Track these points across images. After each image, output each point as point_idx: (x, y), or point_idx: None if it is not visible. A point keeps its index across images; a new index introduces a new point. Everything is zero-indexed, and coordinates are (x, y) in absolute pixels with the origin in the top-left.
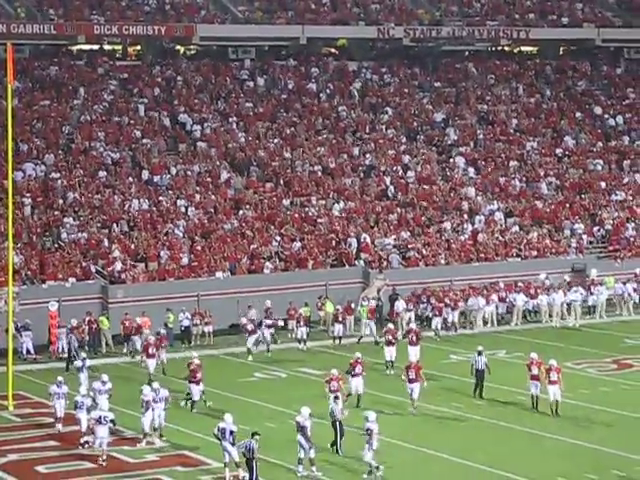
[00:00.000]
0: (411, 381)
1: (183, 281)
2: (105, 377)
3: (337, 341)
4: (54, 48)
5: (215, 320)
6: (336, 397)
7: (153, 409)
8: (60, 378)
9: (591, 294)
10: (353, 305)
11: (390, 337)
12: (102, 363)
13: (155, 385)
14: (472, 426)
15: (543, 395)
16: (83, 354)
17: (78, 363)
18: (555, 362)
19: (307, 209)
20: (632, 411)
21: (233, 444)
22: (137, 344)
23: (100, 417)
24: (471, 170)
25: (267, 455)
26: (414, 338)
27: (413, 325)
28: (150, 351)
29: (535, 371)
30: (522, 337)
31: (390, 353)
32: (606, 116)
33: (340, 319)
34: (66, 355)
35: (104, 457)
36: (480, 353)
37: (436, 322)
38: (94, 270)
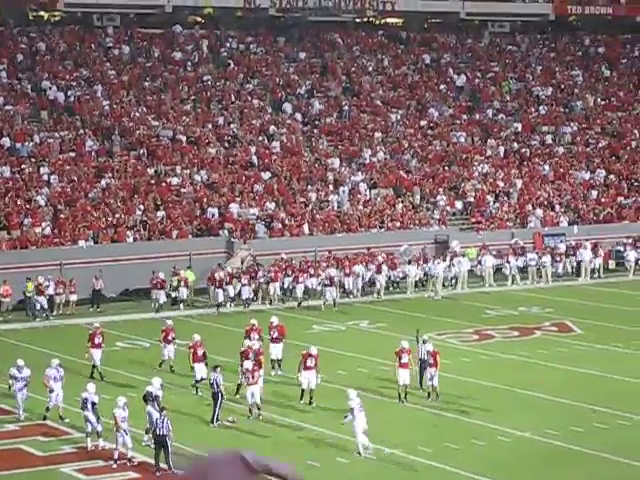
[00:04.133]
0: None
1: (46, 249)
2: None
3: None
4: None
5: (78, 289)
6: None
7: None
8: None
9: (452, 265)
10: (217, 275)
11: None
12: None
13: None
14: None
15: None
16: None
17: None
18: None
19: (171, 178)
20: (491, 381)
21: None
22: None
23: None
24: (336, 141)
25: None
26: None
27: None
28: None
29: (405, 359)
30: (383, 307)
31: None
32: (469, 89)
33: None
34: None
35: None
36: (425, 342)
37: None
38: None
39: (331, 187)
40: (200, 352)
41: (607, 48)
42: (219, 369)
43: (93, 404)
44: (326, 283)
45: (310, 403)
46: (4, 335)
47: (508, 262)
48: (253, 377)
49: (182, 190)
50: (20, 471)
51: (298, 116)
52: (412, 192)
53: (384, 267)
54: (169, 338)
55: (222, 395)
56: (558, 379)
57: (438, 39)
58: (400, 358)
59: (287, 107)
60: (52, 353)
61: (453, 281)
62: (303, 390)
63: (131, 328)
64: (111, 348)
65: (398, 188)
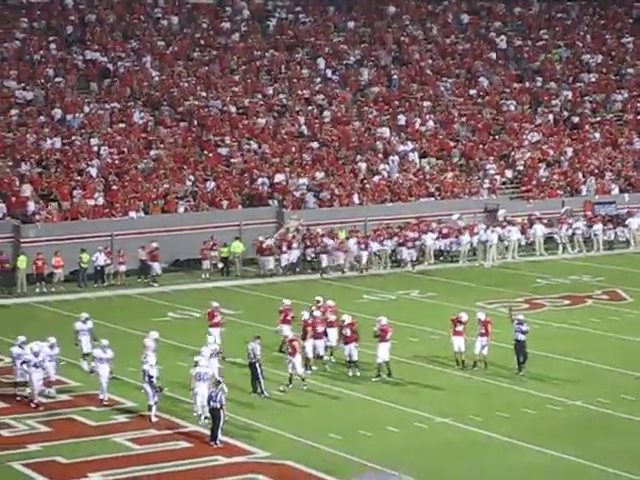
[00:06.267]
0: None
1: (96, 221)
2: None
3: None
4: None
5: (128, 260)
6: (257, 337)
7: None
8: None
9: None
10: (265, 244)
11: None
12: (14, 303)
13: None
14: None
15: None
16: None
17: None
18: (483, 315)
19: (220, 149)
20: (542, 350)
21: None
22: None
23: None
24: (385, 110)
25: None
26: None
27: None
28: None
29: (460, 327)
30: (434, 277)
31: None
32: (519, 57)
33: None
34: None
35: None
36: (520, 322)
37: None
38: (5, 210)
39: (381, 156)
40: (290, 316)
41: None
42: (259, 340)
43: (150, 377)
44: (409, 245)
45: (389, 375)
46: (56, 306)
47: (559, 230)
48: (292, 347)
49: (232, 160)
50: (73, 440)
51: (347, 86)
52: (462, 161)
53: (434, 235)
54: (216, 321)
55: (260, 365)
56: (609, 347)
57: (488, 7)
58: (455, 326)
59: (336, 77)
60: (104, 324)
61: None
62: (379, 364)
63: (181, 298)
64: (163, 318)
65: (447, 157)
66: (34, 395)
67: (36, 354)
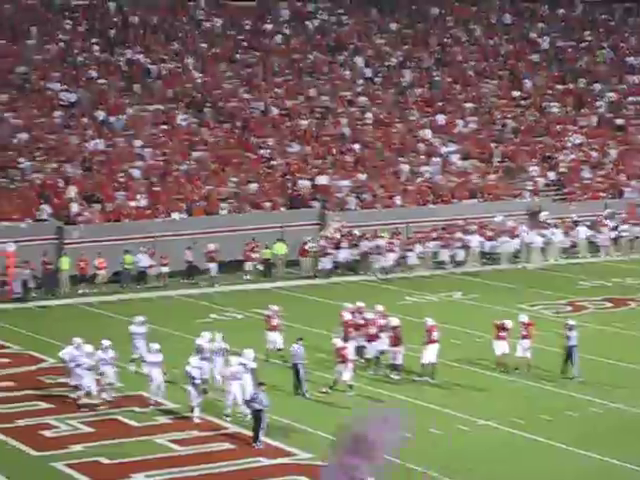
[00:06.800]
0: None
1: (139, 222)
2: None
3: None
4: None
5: (171, 261)
6: (300, 338)
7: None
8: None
9: (544, 236)
10: (308, 246)
11: None
12: (57, 304)
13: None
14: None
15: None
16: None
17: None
18: (526, 317)
19: (263, 150)
20: (585, 352)
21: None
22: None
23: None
24: (428, 112)
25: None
26: None
27: None
28: None
29: (503, 334)
30: (476, 279)
31: None
32: (563, 58)
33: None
34: (21, 295)
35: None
36: (571, 328)
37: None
38: (49, 211)
39: (423, 158)
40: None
41: None
42: (302, 341)
43: (193, 378)
44: (454, 247)
45: (432, 377)
46: (99, 307)
47: (601, 233)
48: (342, 356)
49: (274, 162)
50: (117, 441)
51: (389, 87)
52: (505, 163)
53: (477, 238)
54: (273, 324)
55: (303, 366)
56: None
57: (531, 9)
58: (498, 331)
59: (378, 78)
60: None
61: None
62: (423, 365)
63: (223, 299)
64: (205, 320)
65: (490, 159)
66: (88, 396)
67: (91, 356)
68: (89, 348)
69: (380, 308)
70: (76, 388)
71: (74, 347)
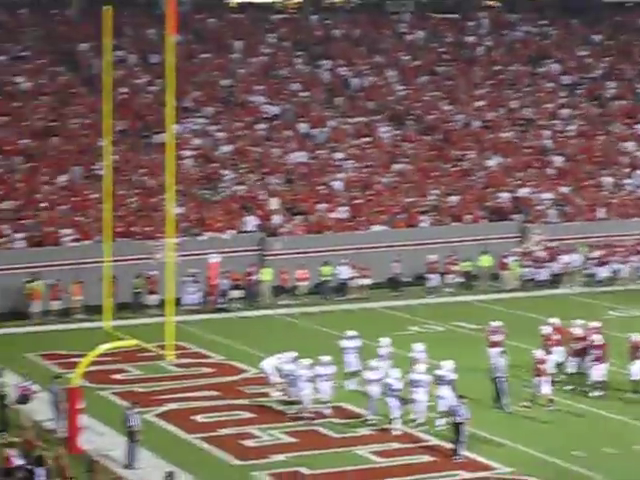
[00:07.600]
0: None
1: (341, 234)
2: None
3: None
4: (214, 1)
5: (372, 273)
6: (503, 352)
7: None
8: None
9: None
10: (507, 260)
11: None
12: (257, 315)
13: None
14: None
15: None
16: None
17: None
18: None
19: (464, 163)
20: None
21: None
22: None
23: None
24: (631, 124)
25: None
26: None
27: None
28: None
29: None
30: None
31: None
32: None
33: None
34: (225, 306)
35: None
36: None
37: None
38: (252, 222)
39: (626, 170)
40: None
41: None
42: (505, 355)
43: (393, 390)
44: None
45: (635, 392)
46: (299, 319)
47: None
48: (539, 369)
49: (475, 174)
50: (317, 452)
51: (592, 99)
52: None
53: None
54: (494, 340)
55: (505, 380)
56: None
57: None
58: None
59: (581, 90)
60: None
61: None
62: (634, 381)
63: (424, 311)
64: (405, 332)
65: None
66: (305, 409)
67: (309, 368)
68: (307, 361)
69: (596, 324)
70: (292, 403)
71: (286, 360)
